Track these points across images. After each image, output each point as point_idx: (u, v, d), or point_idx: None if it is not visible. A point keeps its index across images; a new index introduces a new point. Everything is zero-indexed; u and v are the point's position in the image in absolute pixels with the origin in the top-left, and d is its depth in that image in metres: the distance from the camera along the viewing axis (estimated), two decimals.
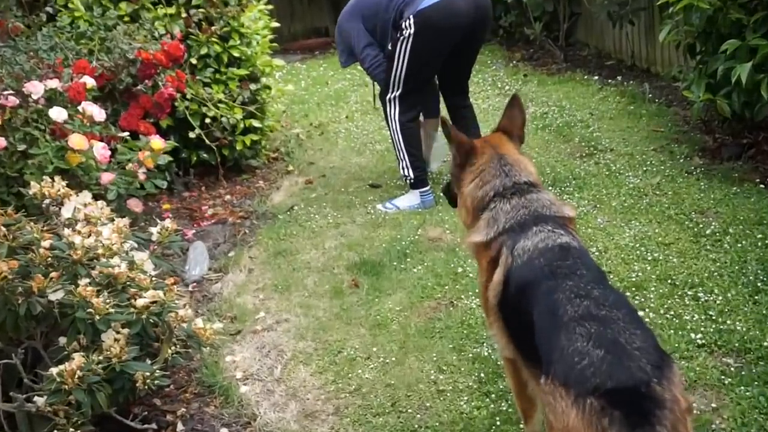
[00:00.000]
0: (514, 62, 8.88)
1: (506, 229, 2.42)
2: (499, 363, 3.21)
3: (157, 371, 2.65)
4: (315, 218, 4.96)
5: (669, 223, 4.31)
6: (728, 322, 3.31)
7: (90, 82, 4.01)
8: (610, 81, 7.43)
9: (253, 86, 5.65)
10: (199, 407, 3.21)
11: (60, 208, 2.94)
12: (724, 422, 2.77)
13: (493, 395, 3.04)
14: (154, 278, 2.85)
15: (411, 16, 4.64)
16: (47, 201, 2.99)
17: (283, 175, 5.92)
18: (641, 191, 4.77)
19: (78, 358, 2.47)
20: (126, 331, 2.61)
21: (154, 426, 2.94)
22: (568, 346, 1.89)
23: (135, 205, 3.88)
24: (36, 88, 3.73)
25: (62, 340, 2.66)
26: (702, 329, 3.28)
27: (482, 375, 3.16)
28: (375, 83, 5.42)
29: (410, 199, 5.01)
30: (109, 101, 4.71)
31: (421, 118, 5.30)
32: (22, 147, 3.64)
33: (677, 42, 5.30)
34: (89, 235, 2.70)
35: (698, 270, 3.77)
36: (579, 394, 1.79)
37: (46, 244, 2.62)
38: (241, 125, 5.50)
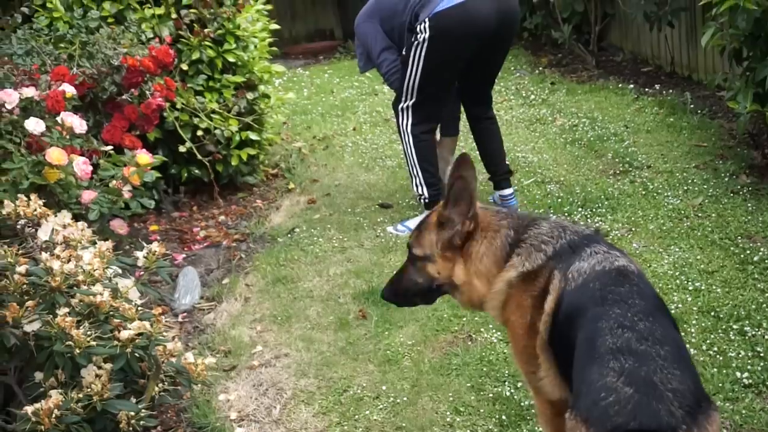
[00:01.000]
0: (540, 69, 8.94)
1: (557, 251, 2.43)
2: (522, 404, 3.22)
3: (143, 411, 2.68)
4: (318, 242, 4.99)
5: (712, 249, 4.32)
6: None
7: (70, 90, 4.07)
8: (647, 90, 7.47)
9: (250, 95, 5.71)
10: None
11: (36, 230, 2.97)
12: None
13: None
14: (139, 308, 2.88)
15: (426, 20, 4.69)
16: (22, 222, 3.03)
17: (283, 194, 5.97)
18: (681, 213, 4.79)
19: (55, 396, 2.50)
20: (108, 366, 2.64)
21: None
22: (598, 380, 1.91)
23: (119, 226, 3.92)
24: (10, 97, 3.78)
25: (38, 375, 2.68)
26: (749, 367, 3.29)
27: (504, 417, 3.17)
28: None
29: None
30: (90, 112, 4.76)
31: (438, 136, 5.34)
32: None
33: (722, 47, 5.33)
34: (69, 260, 2.73)
35: (745, 301, 3.77)
36: (599, 431, 1.82)
37: (21, 269, 2.66)
38: (237, 138, 5.55)
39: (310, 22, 12.28)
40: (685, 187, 5.15)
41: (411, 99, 4.92)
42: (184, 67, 5.39)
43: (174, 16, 5.45)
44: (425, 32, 4.70)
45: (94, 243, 2.99)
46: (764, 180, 5.11)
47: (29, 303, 2.61)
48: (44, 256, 2.70)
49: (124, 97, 4.77)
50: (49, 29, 5.13)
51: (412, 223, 5.05)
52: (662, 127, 6.39)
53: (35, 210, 3.01)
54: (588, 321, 2.13)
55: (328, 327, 4.01)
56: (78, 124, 3.86)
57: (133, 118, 4.71)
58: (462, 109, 5.45)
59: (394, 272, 4.35)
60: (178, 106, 5.21)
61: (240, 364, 3.76)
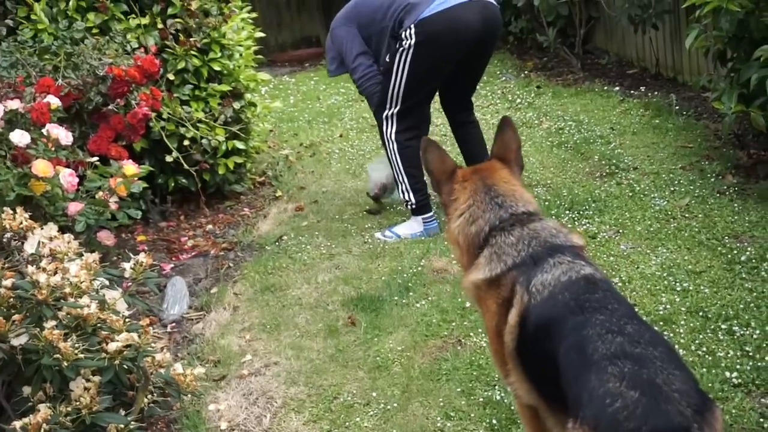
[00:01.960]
0: (526, 72, 8.96)
1: (516, 264, 2.44)
2: (512, 408, 3.22)
3: (132, 423, 2.67)
4: (306, 249, 4.99)
5: (700, 249, 4.34)
6: (767, 358, 3.33)
7: (55, 101, 4.06)
8: (632, 92, 7.50)
9: (236, 103, 5.70)
10: None
11: (22, 243, 2.97)
12: None
13: None
14: (127, 319, 2.88)
15: (412, 26, 4.69)
16: (8, 235, 3.02)
17: (270, 202, 5.96)
18: (668, 214, 4.81)
19: (44, 410, 2.49)
20: (97, 378, 2.64)
21: None
22: (599, 387, 1.90)
23: (106, 237, 3.92)
24: None
25: (26, 389, 2.68)
26: (738, 367, 3.30)
27: (494, 422, 3.17)
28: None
29: (412, 227, 5.05)
30: (76, 123, 4.75)
31: None
32: None
33: (706, 48, 5.36)
34: (55, 273, 2.73)
35: (733, 301, 3.79)
36: None
37: (7, 282, 2.65)
38: (224, 147, 5.54)
39: (296, 30, 12.27)
40: (672, 188, 5.18)
41: (396, 107, 4.92)
42: (170, 76, 5.38)
43: (159, 26, 5.44)
44: (411, 38, 4.71)
45: (80, 255, 2.99)
46: (750, 180, 5.14)
47: (16, 316, 2.60)
48: (30, 269, 2.69)
49: (110, 107, 4.76)
50: (34, 41, 5.11)
51: (400, 229, 5.06)
52: (648, 129, 6.41)
53: (21, 223, 3.01)
54: (570, 331, 2.12)
55: (317, 334, 4.00)
56: (64, 135, 3.85)
57: (119, 128, 4.70)
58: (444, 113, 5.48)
59: (383, 278, 4.38)
60: (165, 115, 5.20)
61: (229, 374, 3.75)
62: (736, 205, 4.79)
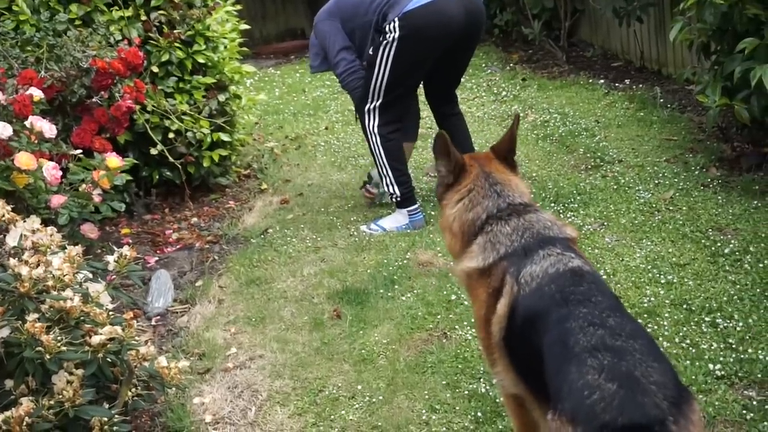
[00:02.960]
0: (512, 65, 8.97)
1: (509, 253, 2.45)
2: (498, 401, 3.23)
3: (116, 416, 2.66)
4: (292, 242, 4.98)
5: (684, 242, 4.35)
6: (750, 350, 3.34)
7: (38, 94, 4.02)
8: (617, 85, 7.52)
9: (221, 96, 5.68)
10: None
11: (4, 236, 2.94)
12: None
13: None
14: (111, 312, 2.86)
15: (396, 19, 4.68)
16: None
17: (255, 195, 5.95)
18: (653, 207, 4.82)
19: (26, 403, 2.47)
20: (80, 371, 2.62)
21: None
22: (578, 379, 1.91)
23: (90, 230, 3.89)
24: None
25: (8, 382, 2.65)
26: (721, 359, 3.32)
27: (479, 414, 3.17)
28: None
29: (397, 220, 5.04)
30: (59, 115, 4.72)
31: None
32: None
33: (690, 41, 5.37)
34: (38, 265, 2.70)
35: (716, 293, 3.81)
36: (587, 429, 1.82)
37: None
38: (209, 139, 5.52)
39: (281, 22, 12.24)
40: (656, 181, 5.19)
41: (378, 100, 4.91)
42: (154, 68, 5.35)
43: (143, 17, 5.40)
44: (395, 32, 4.69)
45: (63, 248, 2.96)
46: (734, 173, 5.16)
47: None
48: (12, 262, 2.67)
49: (93, 100, 4.73)
50: (16, 33, 5.06)
51: (386, 222, 5.05)
52: (633, 122, 6.43)
53: (3, 215, 2.97)
54: (554, 323, 2.13)
55: (302, 327, 4.00)
56: (47, 128, 3.82)
57: (102, 121, 4.67)
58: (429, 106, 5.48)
59: (368, 271, 4.37)
60: (149, 108, 5.17)
61: (214, 367, 3.74)
62: (719, 197, 4.81)
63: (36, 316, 2.59)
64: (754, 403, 3.07)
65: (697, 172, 5.22)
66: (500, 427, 3.09)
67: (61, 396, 2.53)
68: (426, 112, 6.01)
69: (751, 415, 3.01)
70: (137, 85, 4.84)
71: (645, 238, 4.46)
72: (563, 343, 2.04)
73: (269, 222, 5.35)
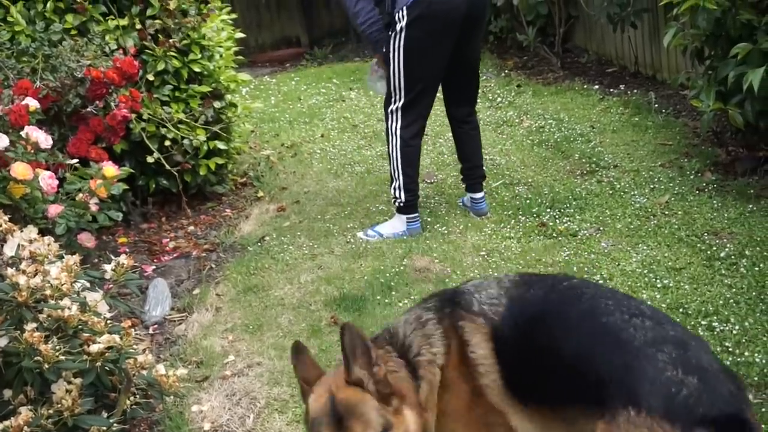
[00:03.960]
0: (506, 71, 8.99)
1: (444, 315, 2.29)
2: None
3: (115, 425, 2.66)
4: (289, 249, 4.99)
5: (679, 246, 4.37)
6: (746, 353, 3.36)
7: (33, 104, 4.03)
8: (612, 90, 7.54)
9: (216, 104, 5.69)
10: None
11: (2, 246, 2.95)
12: None
13: None
14: (109, 321, 2.87)
15: (404, 8, 4.66)
16: None
17: (252, 203, 5.95)
18: (648, 211, 4.84)
19: (25, 413, 2.48)
20: (78, 380, 2.63)
21: None
22: (658, 376, 1.90)
23: (87, 239, 3.89)
24: None
25: (7, 392, 2.66)
26: None
27: None
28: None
29: (395, 226, 5.05)
30: (55, 125, 4.72)
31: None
32: None
33: (684, 46, 5.40)
34: (35, 275, 2.71)
35: (712, 297, 3.82)
36: (685, 426, 1.82)
37: None
38: (205, 148, 5.52)
39: (276, 30, 12.27)
40: (652, 186, 5.21)
41: (400, 100, 4.88)
42: (150, 77, 5.35)
43: (138, 26, 5.40)
44: (402, 21, 4.68)
45: (61, 257, 2.97)
46: (729, 177, 5.18)
47: None
48: (10, 271, 2.68)
49: (88, 109, 4.73)
50: (11, 43, 5.06)
51: (383, 228, 5.06)
52: (628, 127, 6.46)
53: (0, 226, 2.98)
54: (579, 321, 2.08)
55: (300, 334, 4.00)
56: (43, 139, 3.82)
57: (98, 130, 4.67)
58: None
59: (365, 278, 4.38)
60: (145, 116, 5.18)
61: (212, 375, 3.74)
62: (715, 201, 4.83)
63: (34, 325, 2.59)
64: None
65: (692, 177, 5.25)
66: None
67: (59, 405, 2.53)
68: (434, 115, 5.99)
69: None
70: (132, 94, 4.84)
71: (641, 242, 4.48)
72: (616, 340, 2.00)
73: (266, 230, 5.36)
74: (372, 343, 2.19)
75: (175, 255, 5.08)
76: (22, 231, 3.02)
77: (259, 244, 5.13)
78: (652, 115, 6.58)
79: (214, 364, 3.83)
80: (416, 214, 5.05)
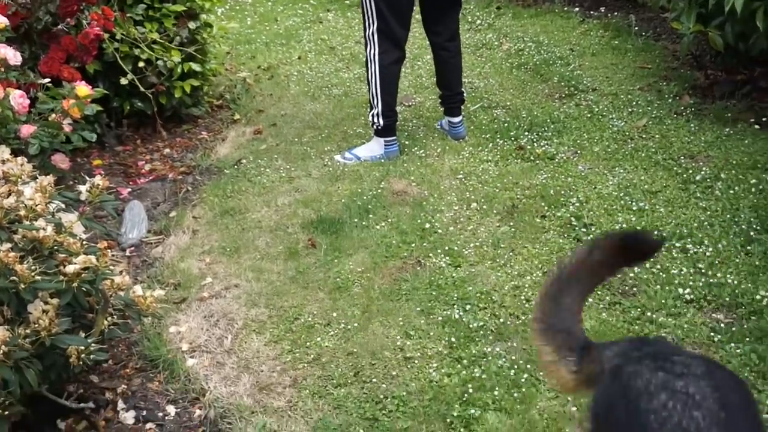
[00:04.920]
0: None
1: None
2: (471, 326, 3.28)
3: (93, 345, 2.67)
4: (266, 172, 4.96)
5: (656, 170, 4.39)
6: (719, 275, 3.42)
7: (2, 21, 3.93)
8: (592, 13, 7.48)
9: (191, 24, 5.58)
10: (141, 383, 3.24)
11: None
12: None
13: (464, 361, 3.11)
14: (85, 242, 2.85)
15: None
16: None
17: (228, 125, 5.90)
18: (626, 135, 4.85)
19: (2, 332, 2.48)
20: (55, 301, 2.62)
21: (91, 405, 2.97)
22: None
23: (61, 161, 3.85)
24: None
25: None
26: (690, 284, 3.39)
27: (453, 339, 3.23)
28: None
29: (372, 149, 5.03)
30: (25, 43, 4.63)
31: None
32: None
33: None
34: (9, 195, 2.69)
35: (687, 220, 3.87)
36: None
37: None
38: (180, 69, 5.43)
39: None
40: (630, 109, 5.21)
41: (373, 24, 4.80)
42: None
43: None
44: None
45: (35, 178, 2.93)
46: (707, 100, 5.19)
47: None
48: None
49: (60, 27, 4.63)
50: None
51: (360, 151, 5.04)
52: (607, 50, 6.43)
53: None
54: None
55: (277, 257, 4.01)
56: (12, 55, 3.74)
57: (70, 49, 4.57)
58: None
59: (342, 200, 4.38)
60: (118, 36, 5.07)
61: (190, 297, 3.76)
62: (692, 125, 4.84)
63: (9, 245, 2.57)
64: (722, 325, 3.14)
65: (670, 100, 5.25)
66: (473, 351, 3.15)
67: (36, 325, 2.53)
68: (412, 38, 5.92)
69: (719, 337, 3.08)
70: (105, 12, 4.73)
71: (618, 166, 4.50)
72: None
73: (242, 152, 5.32)
74: None
75: (151, 177, 5.04)
76: None
77: (235, 166, 5.10)
78: (631, 38, 6.55)
79: (192, 286, 3.84)
80: (394, 137, 5.02)
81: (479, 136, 5.14)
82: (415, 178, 4.64)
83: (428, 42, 5.24)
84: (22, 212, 2.67)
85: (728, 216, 3.86)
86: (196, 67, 5.56)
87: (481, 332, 3.26)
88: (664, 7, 6.04)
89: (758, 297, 3.26)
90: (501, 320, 3.33)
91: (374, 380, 3.08)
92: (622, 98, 5.41)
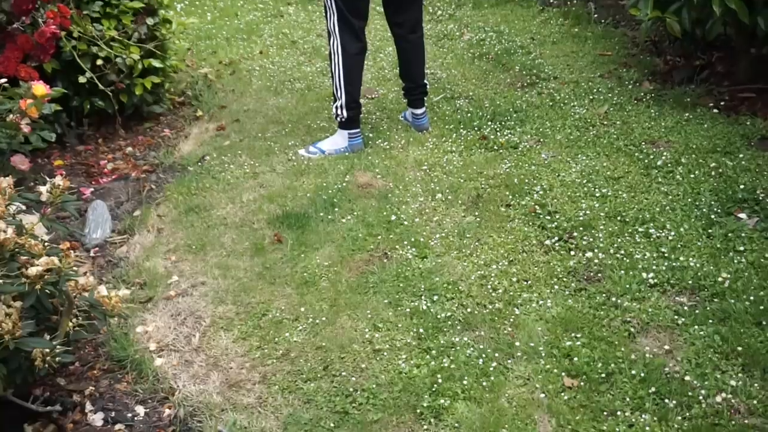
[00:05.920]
0: None
1: None
2: (438, 317, 3.30)
3: (58, 347, 2.65)
4: (230, 168, 4.94)
5: (618, 156, 4.44)
6: (681, 258, 3.46)
7: None
8: (552, 1, 7.52)
9: (150, 20, 5.53)
10: (109, 384, 3.21)
11: None
12: (678, 364, 2.91)
13: (433, 351, 3.12)
14: (47, 244, 2.82)
15: None
16: None
17: (191, 122, 5.86)
18: (588, 122, 4.89)
19: None
20: (18, 303, 2.59)
21: (58, 407, 2.94)
22: None
23: (20, 162, 3.80)
24: None
25: None
26: (654, 268, 3.43)
27: (421, 330, 3.24)
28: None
29: (336, 142, 5.03)
30: None
31: None
32: None
33: None
34: None
35: (649, 204, 3.91)
36: None
37: None
38: (139, 66, 5.39)
39: None
40: (591, 97, 5.25)
41: (334, 15, 4.77)
42: None
43: None
44: None
45: None
46: (666, 86, 5.24)
47: None
48: None
49: (15, 26, 4.56)
50: None
51: (324, 144, 5.04)
52: (567, 38, 6.47)
53: None
54: None
55: (243, 253, 4.00)
56: None
57: (27, 48, 4.50)
58: None
59: (308, 195, 4.37)
60: (75, 34, 5.01)
61: (156, 296, 3.73)
62: (652, 110, 4.90)
63: None
64: (685, 308, 3.18)
65: (630, 87, 5.30)
66: (442, 342, 3.16)
67: (0, 328, 2.50)
68: (374, 30, 5.91)
69: (683, 320, 3.12)
70: (61, 9, 4.66)
71: (580, 153, 4.53)
72: None
73: (206, 149, 5.29)
74: None
75: (113, 177, 5.00)
76: None
77: (199, 163, 5.07)
78: (591, 26, 6.60)
79: (158, 285, 3.82)
80: (358, 130, 5.02)
81: (443, 127, 5.16)
82: (380, 170, 4.64)
83: (390, 34, 5.24)
84: None
85: (689, 200, 3.91)
86: (156, 63, 5.52)
87: (449, 322, 3.28)
88: None
89: (720, 279, 3.31)
90: (468, 310, 3.35)
91: (344, 374, 3.08)
92: (583, 86, 5.45)
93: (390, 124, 5.37)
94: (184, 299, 3.68)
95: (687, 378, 2.84)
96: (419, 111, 5.19)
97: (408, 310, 3.39)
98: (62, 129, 5.10)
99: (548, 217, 3.94)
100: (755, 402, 2.71)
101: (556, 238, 3.76)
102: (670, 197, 3.96)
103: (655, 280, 3.36)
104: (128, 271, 3.96)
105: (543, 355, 3.05)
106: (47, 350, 2.59)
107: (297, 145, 5.16)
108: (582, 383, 2.89)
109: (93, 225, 4.33)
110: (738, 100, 4.93)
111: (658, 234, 3.67)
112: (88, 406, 3.07)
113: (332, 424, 2.84)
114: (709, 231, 3.65)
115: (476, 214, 4.08)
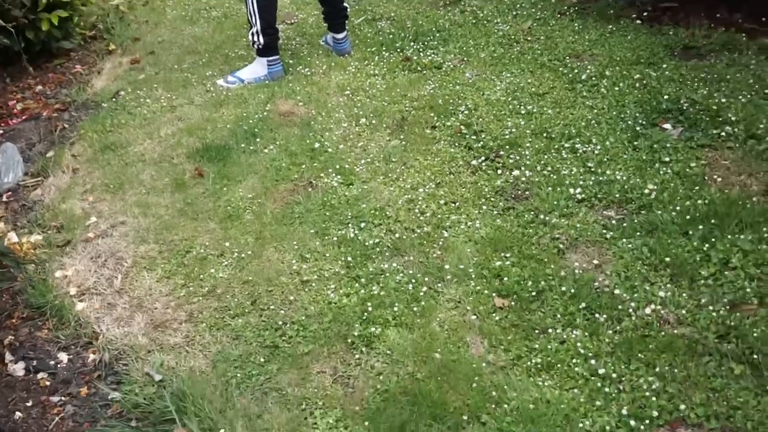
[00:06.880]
0: None
1: None
2: (366, 244, 3.24)
3: None
4: (146, 103, 4.77)
5: (542, 72, 4.39)
6: (608, 172, 3.45)
7: None
8: None
9: None
10: (29, 332, 3.10)
11: None
12: (608, 278, 2.92)
13: (362, 279, 3.07)
14: None
15: None
16: None
17: (104, 56, 5.63)
18: (512, 39, 4.83)
19: None
20: None
21: None
22: None
23: None
24: None
25: None
26: (581, 183, 3.41)
27: (349, 259, 3.19)
28: None
29: (255, 70, 4.88)
30: None
31: None
32: None
33: None
34: None
35: (575, 120, 3.88)
36: None
37: None
38: (44, 0, 5.14)
39: None
40: (514, 13, 5.18)
41: None
42: None
43: None
44: None
45: None
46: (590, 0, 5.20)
47: None
48: None
49: None
50: None
51: (243, 73, 4.89)
52: None
53: None
54: None
55: (164, 190, 3.88)
56: None
57: None
58: None
59: (228, 126, 4.25)
60: None
61: (74, 238, 3.60)
62: (576, 24, 4.85)
63: None
64: (613, 222, 3.18)
65: (553, 1, 5.24)
66: (371, 269, 3.12)
67: None
68: None
69: (611, 233, 3.12)
70: None
71: (505, 70, 4.48)
72: None
73: (120, 84, 5.09)
74: None
75: (23, 117, 4.79)
76: None
77: (113, 99, 4.88)
78: None
79: (76, 227, 3.68)
80: (277, 57, 4.88)
81: (365, 50, 5.04)
82: (302, 97, 4.53)
83: None
84: None
85: (614, 113, 3.89)
86: None
87: (378, 249, 3.23)
88: None
89: (646, 191, 3.31)
90: (397, 235, 3.30)
91: (272, 307, 3.02)
92: (506, 2, 5.38)
93: (310, 49, 5.23)
94: (104, 240, 3.56)
95: (616, 291, 2.85)
96: (340, 35, 5.06)
97: (335, 238, 3.33)
98: None
99: (474, 137, 3.89)
100: (684, 312, 2.73)
101: (483, 158, 3.72)
102: (596, 111, 3.94)
103: (583, 195, 3.35)
104: (44, 214, 3.81)
105: (473, 276, 3.03)
106: None
107: (215, 76, 5.00)
108: (513, 303, 2.88)
109: (4, 168, 4.15)
110: (660, 11, 4.90)
111: (584, 149, 3.65)
112: (8, 356, 2.97)
113: (262, 359, 2.79)
114: (635, 143, 3.64)
115: (401, 137, 4.01)
